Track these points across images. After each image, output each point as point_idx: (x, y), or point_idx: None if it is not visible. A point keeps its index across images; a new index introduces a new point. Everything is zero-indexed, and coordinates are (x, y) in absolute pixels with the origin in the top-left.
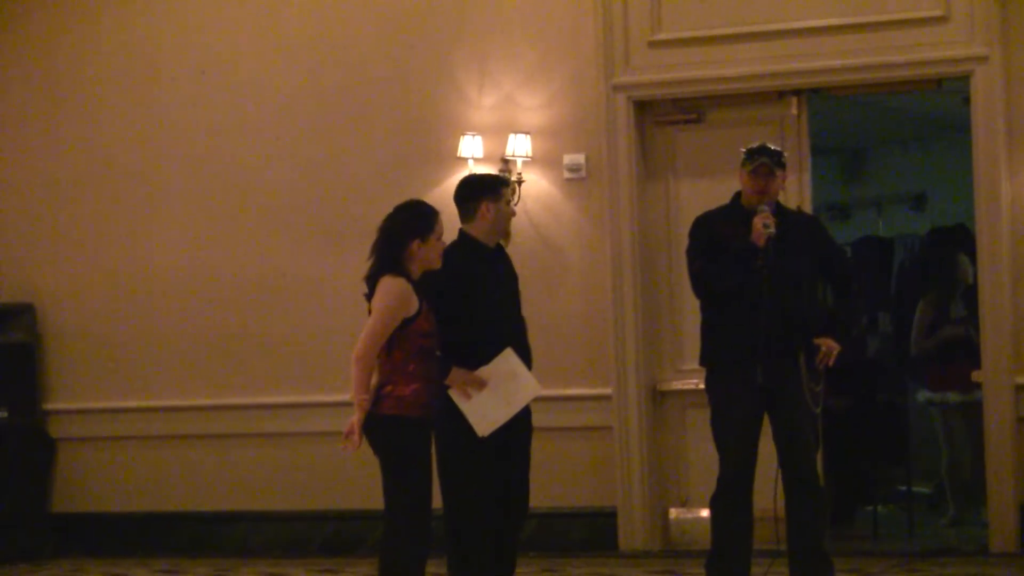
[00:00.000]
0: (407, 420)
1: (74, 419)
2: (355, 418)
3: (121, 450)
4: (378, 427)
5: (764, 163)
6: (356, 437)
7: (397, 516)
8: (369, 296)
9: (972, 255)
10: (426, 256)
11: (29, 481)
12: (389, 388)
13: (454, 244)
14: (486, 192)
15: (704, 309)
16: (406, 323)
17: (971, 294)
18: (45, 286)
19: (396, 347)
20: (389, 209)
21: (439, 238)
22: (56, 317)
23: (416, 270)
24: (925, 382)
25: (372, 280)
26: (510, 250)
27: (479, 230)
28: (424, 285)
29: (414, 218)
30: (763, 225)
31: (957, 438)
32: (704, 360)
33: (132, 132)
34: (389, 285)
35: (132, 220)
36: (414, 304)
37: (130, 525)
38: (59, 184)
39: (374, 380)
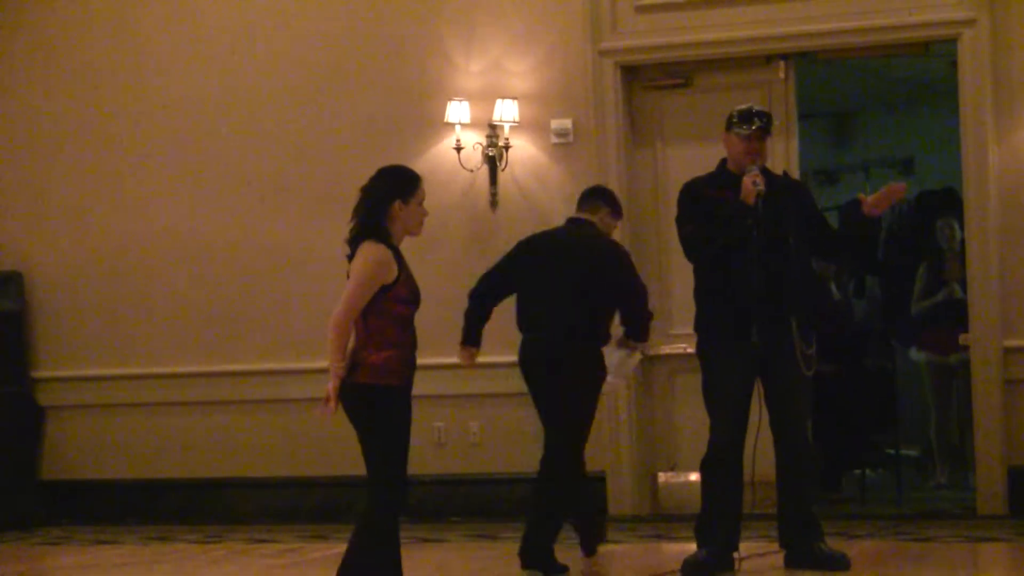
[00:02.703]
0: (380, 388)
1: (62, 387)
2: (331, 385)
3: (110, 418)
4: (352, 394)
5: (761, 127)
6: (332, 404)
7: (377, 482)
8: (351, 258)
9: (960, 218)
10: (407, 219)
11: (18, 449)
12: (363, 355)
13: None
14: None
15: (697, 274)
16: (384, 290)
17: (964, 257)
18: (33, 255)
19: (372, 313)
20: None
21: (420, 203)
22: (44, 285)
23: (398, 234)
24: (918, 344)
25: (354, 244)
26: (500, 215)
27: None
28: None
29: (397, 180)
30: (752, 183)
31: (947, 401)
32: (698, 325)
33: (122, 101)
34: (368, 251)
35: (120, 188)
36: (393, 271)
37: (119, 492)
38: (47, 152)
39: (350, 346)
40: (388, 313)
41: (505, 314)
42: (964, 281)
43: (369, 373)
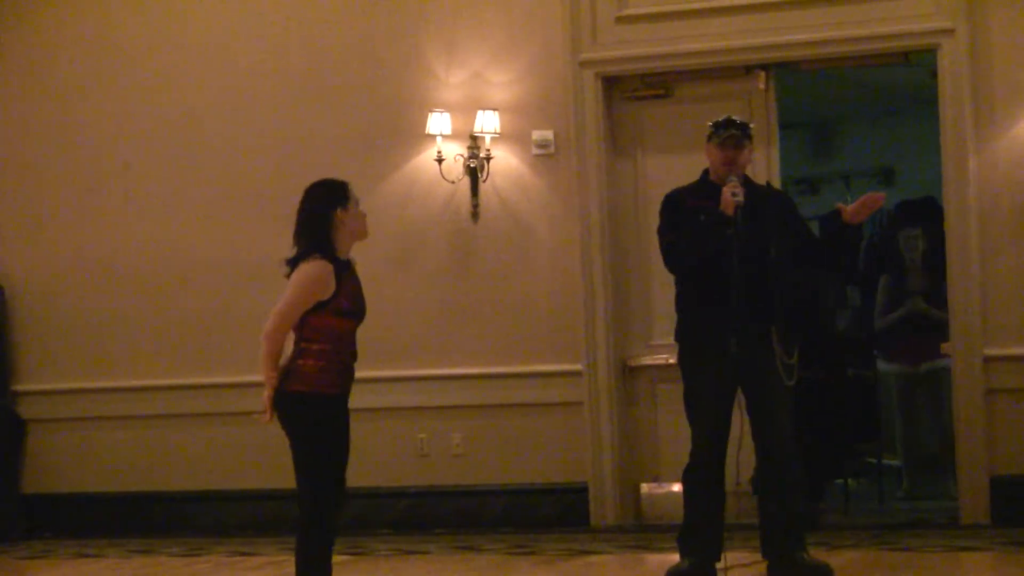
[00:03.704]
0: (315, 395)
1: (44, 400)
2: (265, 395)
3: (92, 431)
4: (284, 403)
5: (733, 134)
6: (267, 415)
7: (306, 491)
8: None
9: (935, 228)
10: (352, 224)
11: None
12: (298, 363)
13: None
14: None
15: (678, 284)
16: (321, 304)
17: (927, 268)
18: (13, 267)
19: (308, 326)
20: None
21: (357, 204)
22: (25, 298)
23: (346, 242)
24: (886, 356)
25: (295, 263)
26: (481, 226)
27: None
28: None
29: (329, 190)
30: (731, 194)
31: (914, 411)
32: (678, 335)
33: (101, 115)
34: (308, 267)
35: (101, 201)
36: (330, 288)
37: (102, 505)
38: (27, 165)
39: (285, 354)
40: (326, 327)
41: (487, 326)
42: (926, 292)
43: (303, 380)
